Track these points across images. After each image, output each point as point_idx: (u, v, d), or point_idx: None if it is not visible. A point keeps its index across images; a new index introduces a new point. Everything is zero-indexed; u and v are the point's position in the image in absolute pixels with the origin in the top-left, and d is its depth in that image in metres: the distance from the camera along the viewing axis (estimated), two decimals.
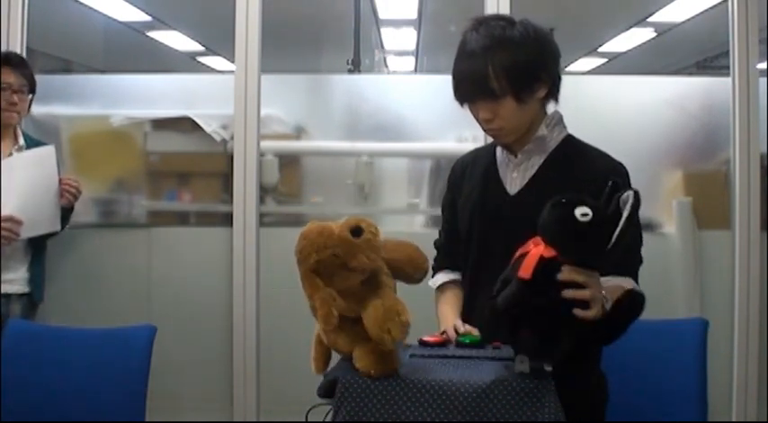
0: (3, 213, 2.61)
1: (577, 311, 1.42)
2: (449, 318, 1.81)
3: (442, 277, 1.92)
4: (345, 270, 1.42)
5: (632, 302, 1.50)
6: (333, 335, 1.54)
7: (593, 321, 1.44)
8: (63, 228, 2.84)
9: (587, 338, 1.47)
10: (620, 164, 1.78)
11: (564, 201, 1.41)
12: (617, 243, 1.38)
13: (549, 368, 1.46)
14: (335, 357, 1.61)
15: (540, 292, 1.42)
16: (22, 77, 2.74)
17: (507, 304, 1.44)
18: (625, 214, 1.38)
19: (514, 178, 1.79)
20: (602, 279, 1.66)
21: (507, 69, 1.67)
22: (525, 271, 1.42)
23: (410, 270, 1.57)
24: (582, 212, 1.38)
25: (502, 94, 1.68)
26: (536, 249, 1.43)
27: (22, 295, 2.77)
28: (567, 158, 1.78)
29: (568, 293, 1.41)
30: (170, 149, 3.46)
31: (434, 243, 1.99)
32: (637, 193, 1.39)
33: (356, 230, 1.43)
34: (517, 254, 1.47)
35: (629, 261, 1.71)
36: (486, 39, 1.69)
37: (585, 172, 1.74)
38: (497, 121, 1.72)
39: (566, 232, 1.40)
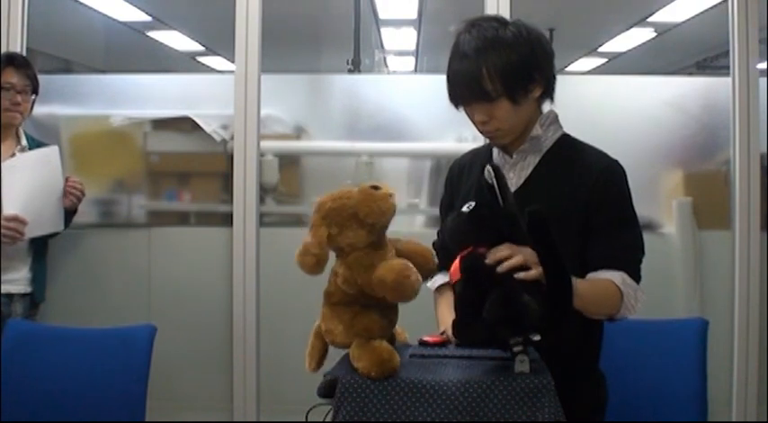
0: (6, 213, 2.61)
1: (520, 274, 1.45)
2: (448, 318, 1.81)
3: (441, 278, 1.92)
4: (356, 221, 1.48)
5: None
6: (330, 322, 1.54)
7: (539, 283, 1.46)
8: (65, 228, 2.85)
9: (545, 298, 1.48)
10: (616, 162, 1.78)
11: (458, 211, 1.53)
12: (507, 207, 1.49)
13: (536, 337, 1.46)
14: (331, 356, 1.60)
15: (478, 284, 1.47)
16: (25, 78, 2.75)
17: (460, 311, 1.50)
18: (495, 184, 1.49)
19: (510, 179, 1.79)
20: (591, 274, 1.66)
21: (501, 70, 1.66)
22: (454, 275, 1.50)
23: (420, 260, 1.60)
24: (467, 206, 1.51)
25: (496, 96, 1.68)
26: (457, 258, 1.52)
27: (24, 295, 2.77)
28: (562, 157, 1.78)
29: (502, 267, 1.45)
30: (170, 149, 3.46)
31: (433, 244, 1.98)
32: (493, 166, 1.51)
33: (375, 186, 1.51)
34: (454, 274, 1.53)
35: (622, 256, 1.71)
36: (479, 40, 1.69)
37: (581, 170, 1.74)
38: (493, 122, 1.72)
39: (460, 225, 1.52)
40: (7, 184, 2.63)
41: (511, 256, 1.46)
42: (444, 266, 1.92)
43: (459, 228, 1.53)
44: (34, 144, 2.87)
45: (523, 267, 1.46)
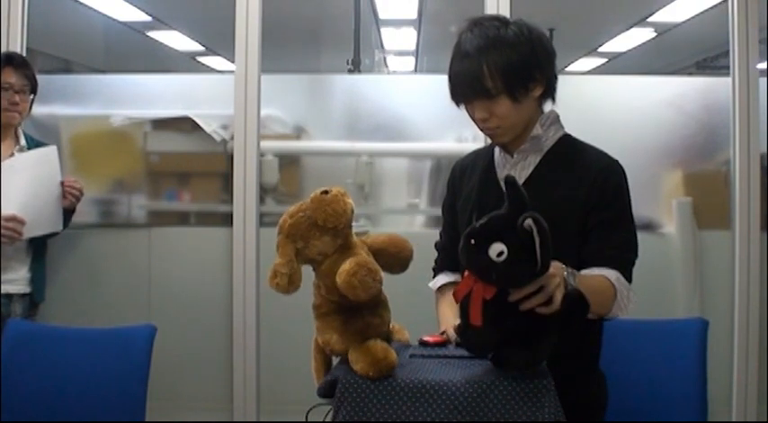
0: (5, 213, 2.61)
1: (542, 310, 1.42)
2: (449, 319, 1.81)
3: (443, 279, 1.92)
4: (317, 229, 1.51)
5: (576, 304, 1.48)
6: (325, 334, 1.54)
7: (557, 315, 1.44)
8: (64, 228, 2.85)
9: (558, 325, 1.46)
10: (617, 161, 1.78)
11: (473, 242, 1.38)
12: (544, 260, 1.36)
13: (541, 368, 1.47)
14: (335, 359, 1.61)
15: (497, 324, 1.42)
16: (24, 78, 2.74)
17: (476, 350, 1.49)
18: (537, 241, 1.35)
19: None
20: (585, 270, 1.66)
21: (502, 69, 1.67)
22: (475, 320, 1.41)
23: (393, 249, 1.61)
24: (497, 252, 1.36)
25: (497, 93, 1.68)
26: (477, 291, 1.41)
27: (23, 295, 2.77)
28: (563, 157, 1.78)
29: (526, 305, 1.41)
30: (170, 149, 3.46)
31: (435, 245, 1.99)
32: (534, 217, 1.36)
33: (325, 191, 1.54)
34: (461, 291, 1.45)
35: (616, 255, 1.71)
36: (481, 39, 1.69)
37: (581, 170, 1.75)
38: (494, 120, 1.72)
39: (491, 275, 1.37)
40: (6, 184, 2.63)
41: (535, 292, 1.41)
42: (446, 267, 1.93)
43: (486, 275, 1.38)
44: (33, 144, 2.86)
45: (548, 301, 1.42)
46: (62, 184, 2.77)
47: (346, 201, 1.53)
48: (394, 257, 1.61)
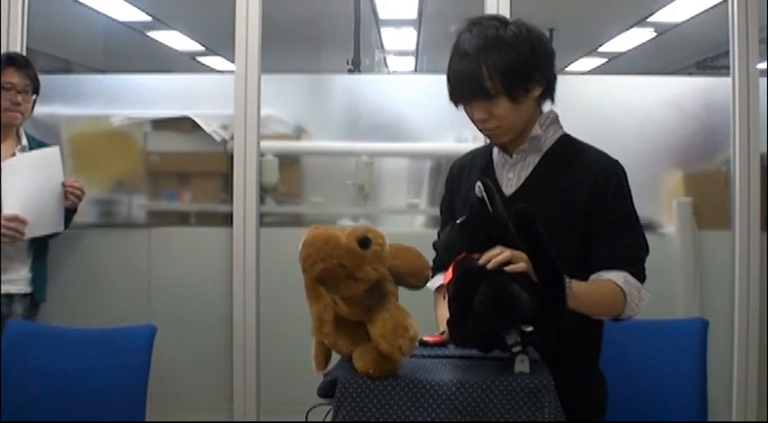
0: (7, 213, 2.61)
1: (508, 267, 1.46)
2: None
3: (441, 279, 1.92)
4: (351, 280, 1.42)
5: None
6: (333, 337, 1.54)
7: (528, 277, 1.48)
8: (65, 228, 2.85)
9: (536, 291, 1.48)
10: (617, 161, 1.78)
11: (478, 193, 1.55)
12: (496, 214, 1.51)
13: (528, 328, 1.47)
14: (335, 356, 1.61)
15: (471, 284, 1.47)
16: (26, 78, 2.75)
17: (453, 310, 1.51)
18: (483, 196, 1.52)
19: (510, 179, 1.80)
20: (593, 275, 1.67)
21: (501, 69, 1.67)
22: (447, 276, 1.53)
23: (412, 280, 1.59)
24: (459, 220, 1.56)
25: (496, 94, 1.68)
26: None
27: (24, 295, 2.77)
28: (562, 157, 1.78)
29: (492, 264, 1.46)
30: (170, 149, 3.46)
31: (433, 244, 1.98)
32: (483, 181, 1.53)
33: (364, 241, 1.41)
34: (446, 279, 1.56)
35: (623, 255, 1.71)
36: (480, 39, 1.69)
37: (581, 170, 1.74)
38: (493, 120, 1.72)
39: (453, 237, 1.56)
40: (8, 184, 2.63)
41: (500, 254, 1.48)
42: (445, 266, 1.93)
43: (451, 240, 1.57)
44: (35, 144, 2.87)
45: (512, 262, 1.47)
46: (63, 184, 2.78)
47: (386, 256, 1.44)
48: (411, 286, 1.60)
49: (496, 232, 1.52)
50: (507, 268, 1.46)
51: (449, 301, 1.52)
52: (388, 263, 1.48)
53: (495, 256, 1.47)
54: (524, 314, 1.45)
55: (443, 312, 1.86)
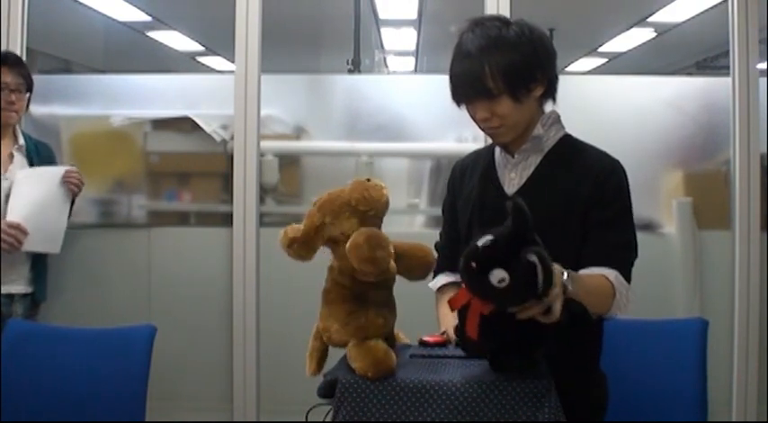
0: (10, 220, 2.61)
1: (541, 318, 1.39)
2: (449, 319, 1.81)
3: (443, 279, 1.92)
4: (348, 209, 1.55)
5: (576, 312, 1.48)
6: (328, 322, 1.55)
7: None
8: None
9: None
10: (617, 161, 1.78)
11: (474, 265, 1.34)
12: (546, 286, 1.34)
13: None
14: (331, 357, 1.61)
15: (494, 336, 1.42)
16: (18, 76, 2.74)
17: (473, 354, 1.49)
18: (541, 276, 1.32)
19: (512, 179, 1.80)
20: (582, 271, 1.66)
21: (503, 69, 1.67)
22: (472, 332, 1.40)
23: (420, 253, 1.65)
24: (498, 279, 1.32)
25: (498, 93, 1.68)
26: (475, 305, 1.39)
27: (24, 295, 2.77)
28: (564, 157, 1.78)
29: (523, 314, 1.38)
30: (170, 149, 3.46)
31: (435, 245, 1.99)
32: (538, 252, 1.33)
33: (368, 179, 1.59)
34: (459, 301, 1.42)
35: (615, 254, 1.71)
36: (482, 39, 1.69)
37: (582, 170, 1.74)
38: (495, 119, 1.72)
39: (491, 298, 1.35)
40: (17, 193, 2.65)
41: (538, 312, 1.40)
42: (446, 267, 1.93)
43: (488, 296, 1.37)
44: (32, 143, 2.87)
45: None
46: (65, 173, 2.77)
47: (384, 192, 1.57)
48: (419, 261, 1.63)
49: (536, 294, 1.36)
50: (543, 320, 1.39)
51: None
52: (386, 199, 1.60)
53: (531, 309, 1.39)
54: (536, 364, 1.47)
55: (444, 312, 1.86)
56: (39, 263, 2.83)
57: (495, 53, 1.68)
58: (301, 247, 1.55)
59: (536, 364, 1.46)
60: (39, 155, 2.87)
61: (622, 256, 1.72)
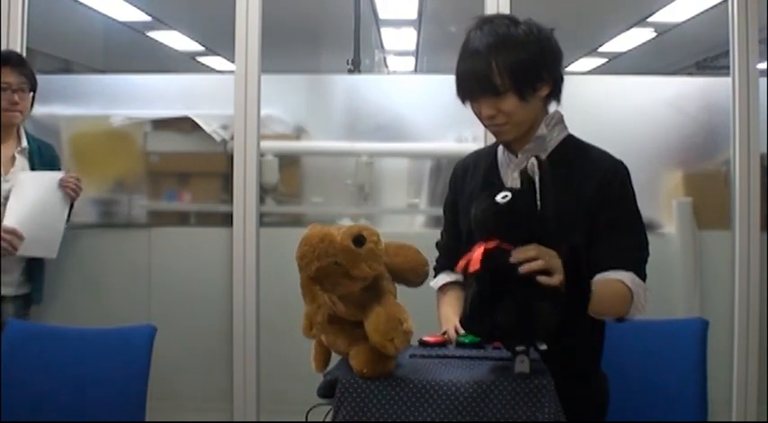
0: (6, 224, 2.61)
1: (541, 279, 1.43)
2: (450, 319, 1.82)
3: (444, 278, 1.92)
4: (347, 278, 1.42)
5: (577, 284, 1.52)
6: (332, 336, 1.54)
7: (559, 291, 1.46)
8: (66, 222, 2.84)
9: (563, 307, 1.47)
10: (621, 162, 1.78)
11: (486, 193, 1.50)
12: (544, 208, 1.45)
13: (542, 346, 1.47)
14: (335, 357, 1.61)
15: (497, 282, 1.44)
16: (21, 76, 2.74)
17: (473, 305, 1.47)
18: (537, 179, 1.45)
19: (515, 178, 1.79)
20: (599, 275, 1.66)
21: (511, 67, 1.68)
22: (473, 265, 1.45)
23: (412, 276, 1.60)
24: (502, 196, 1.47)
25: (504, 91, 1.69)
26: (479, 244, 1.48)
27: (15, 297, 2.76)
28: (567, 158, 1.78)
29: (524, 268, 1.43)
30: (170, 149, 3.46)
31: (436, 244, 1.99)
32: (538, 158, 1.47)
33: (358, 239, 1.41)
34: (463, 259, 1.50)
35: (629, 256, 1.71)
36: (491, 37, 1.70)
37: (586, 171, 1.75)
38: (500, 116, 1.72)
39: (493, 217, 1.47)
40: (15, 197, 2.64)
41: (536, 259, 1.44)
42: (447, 267, 1.93)
43: (486, 217, 1.49)
44: (35, 144, 2.86)
45: (545, 272, 1.45)
46: (61, 179, 2.76)
47: (381, 253, 1.45)
48: (411, 283, 1.61)
49: (538, 227, 1.46)
50: (540, 279, 1.43)
51: (468, 290, 1.49)
52: (384, 260, 1.49)
53: (531, 258, 1.44)
54: (545, 335, 1.45)
55: (445, 311, 1.86)
56: (34, 265, 2.82)
57: (504, 51, 1.68)
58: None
59: (531, 338, 1.46)
60: (41, 157, 2.86)
61: (635, 257, 1.73)
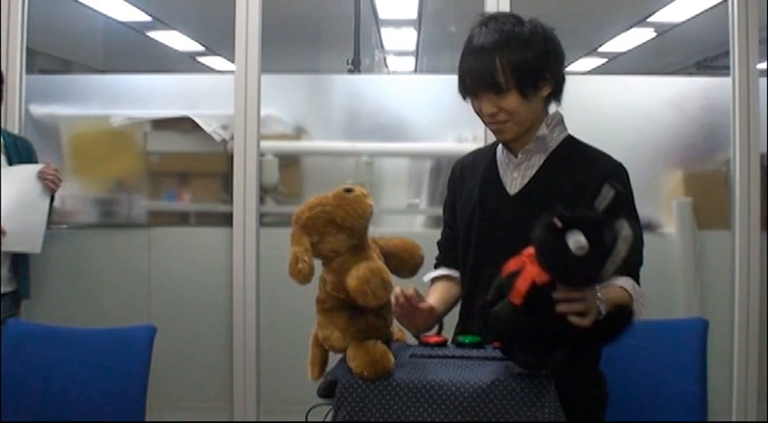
0: None
1: (573, 319, 1.40)
2: (432, 300, 1.83)
3: (438, 272, 1.93)
4: (334, 226, 1.50)
5: (621, 316, 1.50)
6: (328, 330, 1.54)
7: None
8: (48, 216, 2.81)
9: (580, 344, 1.46)
10: (621, 164, 1.78)
11: (559, 225, 1.32)
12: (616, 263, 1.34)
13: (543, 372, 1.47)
14: (332, 360, 1.61)
15: (532, 312, 1.40)
16: None
17: (499, 325, 1.44)
18: (623, 248, 1.34)
19: (515, 178, 1.80)
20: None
21: (515, 65, 1.68)
22: (516, 296, 1.39)
23: (405, 255, 1.63)
24: (577, 246, 1.30)
25: (507, 89, 1.69)
26: (529, 271, 1.38)
27: (5, 294, 2.73)
28: (567, 158, 1.78)
29: (563, 308, 1.39)
30: (170, 149, 3.46)
31: (437, 243, 1.99)
32: (616, 188, 1.37)
33: (348, 189, 1.53)
34: (510, 267, 1.42)
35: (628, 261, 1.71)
36: (496, 34, 1.70)
37: (585, 172, 1.74)
38: (502, 114, 1.72)
39: (560, 263, 1.33)
40: None
41: (579, 300, 1.40)
42: (444, 264, 1.93)
43: (561, 263, 1.34)
44: (10, 139, 2.82)
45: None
46: (40, 171, 2.73)
47: (368, 202, 1.53)
48: (405, 262, 1.63)
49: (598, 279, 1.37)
50: (572, 319, 1.39)
51: (511, 322, 1.43)
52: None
53: (574, 303, 1.40)
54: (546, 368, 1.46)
55: (430, 295, 1.87)
56: (20, 261, 2.80)
57: (509, 49, 1.68)
58: (311, 273, 1.52)
59: (542, 368, 1.45)
60: (17, 151, 2.83)
61: (633, 262, 1.72)
